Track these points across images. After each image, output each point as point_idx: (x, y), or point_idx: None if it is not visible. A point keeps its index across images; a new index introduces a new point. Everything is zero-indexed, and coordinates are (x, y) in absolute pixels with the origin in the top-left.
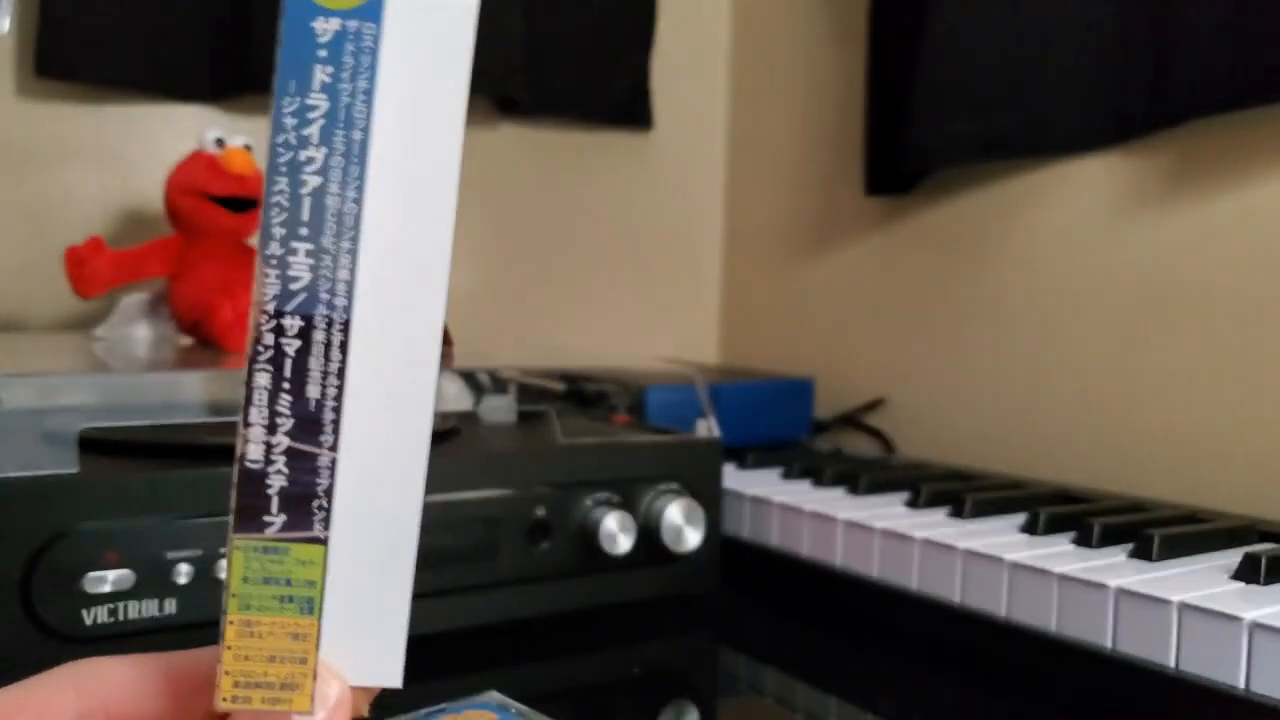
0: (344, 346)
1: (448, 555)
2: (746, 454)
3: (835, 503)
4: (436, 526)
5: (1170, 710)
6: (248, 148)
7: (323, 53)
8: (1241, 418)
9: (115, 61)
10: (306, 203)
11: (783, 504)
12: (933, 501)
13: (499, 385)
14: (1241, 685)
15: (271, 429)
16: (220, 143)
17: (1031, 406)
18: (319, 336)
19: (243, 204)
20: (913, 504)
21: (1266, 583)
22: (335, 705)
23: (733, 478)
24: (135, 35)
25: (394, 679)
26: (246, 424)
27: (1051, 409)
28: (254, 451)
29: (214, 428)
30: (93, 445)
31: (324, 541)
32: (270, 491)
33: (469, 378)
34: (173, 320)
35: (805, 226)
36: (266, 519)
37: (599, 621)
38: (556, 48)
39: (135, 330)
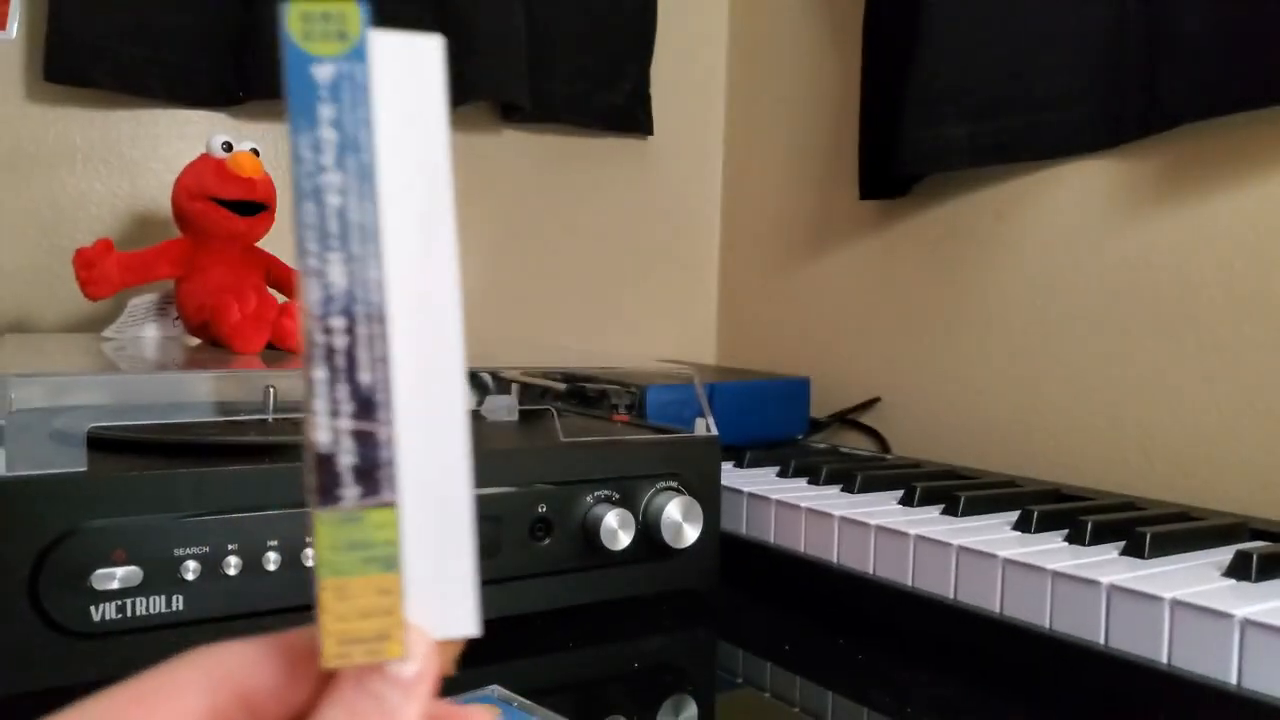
0: (384, 335)
1: None
2: (744, 452)
3: (831, 500)
4: None
5: (1162, 706)
6: (255, 151)
7: (324, 93)
8: (1232, 417)
9: (123, 67)
10: (333, 219)
11: (780, 501)
12: (927, 499)
13: (501, 385)
14: (1233, 681)
15: (335, 414)
16: (228, 146)
17: (1024, 406)
18: (362, 330)
19: (250, 207)
20: (907, 502)
21: (1258, 580)
22: (425, 656)
23: (730, 476)
24: (143, 41)
25: (472, 628)
26: (313, 413)
27: (1044, 409)
28: (323, 436)
29: (221, 427)
30: (101, 444)
31: (394, 505)
32: (341, 468)
33: (472, 377)
34: (181, 321)
35: (801, 229)
36: (341, 492)
37: (599, 617)
38: (558, 56)
39: (143, 331)
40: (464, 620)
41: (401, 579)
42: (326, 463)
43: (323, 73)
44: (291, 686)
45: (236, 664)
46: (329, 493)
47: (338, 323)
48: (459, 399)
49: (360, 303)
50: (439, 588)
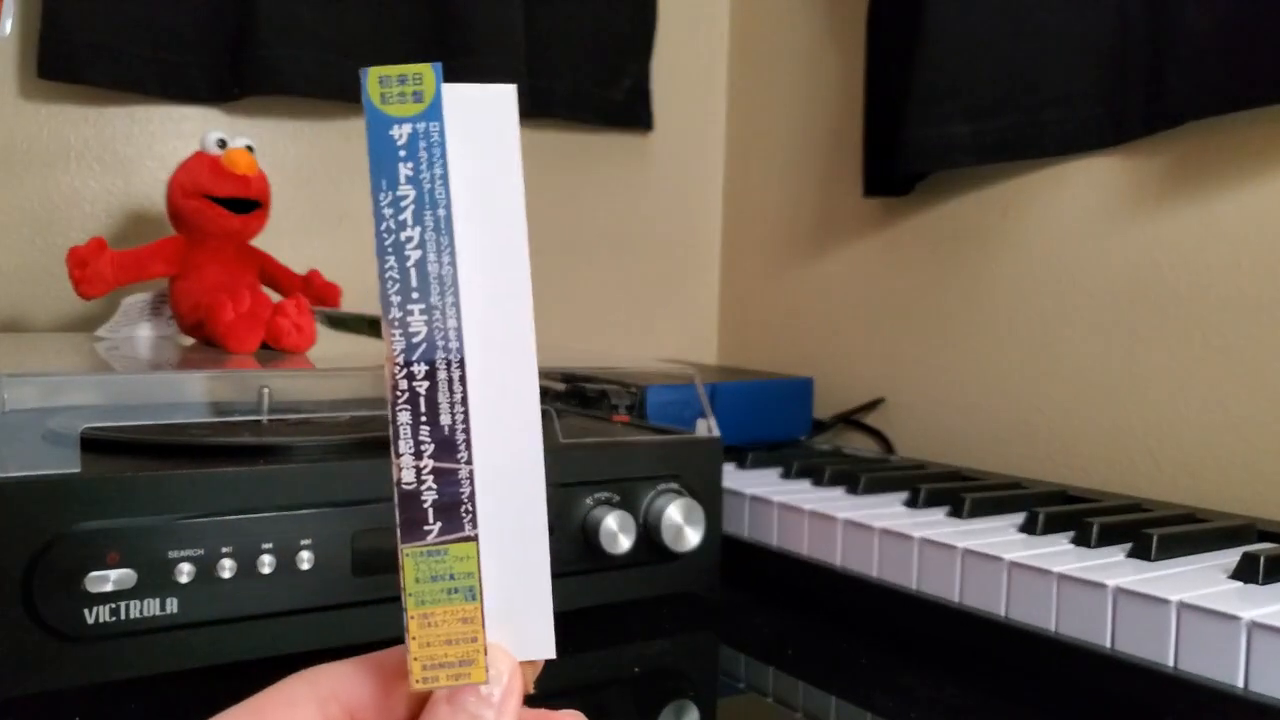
0: (463, 379)
1: None
2: (746, 453)
3: (834, 502)
4: None
5: (1169, 709)
6: (250, 148)
7: (403, 152)
8: (1238, 417)
9: (118, 63)
10: (413, 273)
11: (782, 503)
12: (931, 501)
13: None
14: (1240, 684)
15: (418, 455)
16: (222, 144)
17: (1030, 407)
18: (442, 375)
19: (245, 205)
20: (912, 504)
21: (1265, 582)
22: (510, 677)
23: (732, 477)
24: (138, 37)
25: (549, 651)
26: (397, 454)
27: (1050, 409)
28: (407, 475)
29: (215, 428)
30: (95, 445)
31: (474, 539)
32: (425, 505)
33: None
34: (175, 320)
35: (804, 227)
36: (426, 528)
37: (599, 620)
38: (557, 50)
39: (137, 330)
40: (542, 644)
41: (482, 608)
42: (411, 500)
43: (401, 133)
44: (389, 701)
45: (340, 680)
46: (414, 528)
47: (419, 369)
48: (535, 434)
49: (440, 350)
50: (520, 614)
